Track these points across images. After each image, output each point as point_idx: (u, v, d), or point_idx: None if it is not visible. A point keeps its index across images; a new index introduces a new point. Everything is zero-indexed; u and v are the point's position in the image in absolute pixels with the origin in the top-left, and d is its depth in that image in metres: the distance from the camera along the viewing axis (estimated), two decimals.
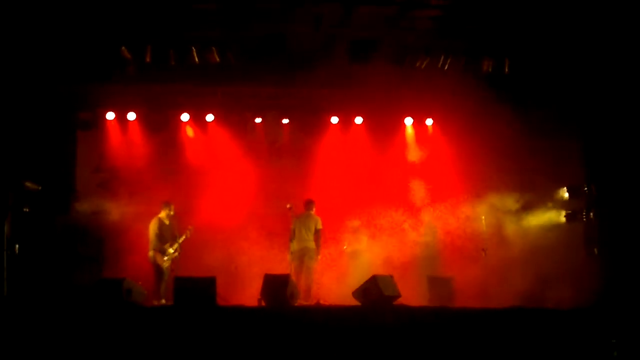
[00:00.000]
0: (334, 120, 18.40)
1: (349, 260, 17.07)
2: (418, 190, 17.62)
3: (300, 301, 14.68)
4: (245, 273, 16.16)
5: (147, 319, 12.48)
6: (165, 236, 16.07)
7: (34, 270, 15.26)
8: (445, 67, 16.40)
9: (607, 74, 15.73)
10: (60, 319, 12.05)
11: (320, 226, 16.28)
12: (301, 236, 16.16)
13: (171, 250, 16.01)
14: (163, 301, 15.42)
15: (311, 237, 16.21)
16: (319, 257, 16.29)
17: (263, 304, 14.24)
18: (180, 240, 16.16)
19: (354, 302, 14.40)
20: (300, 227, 16.21)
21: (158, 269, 15.96)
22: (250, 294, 14.87)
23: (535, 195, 17.14)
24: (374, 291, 14.08)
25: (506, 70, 16.48)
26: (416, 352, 11.76)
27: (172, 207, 16.32)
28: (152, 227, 16.08)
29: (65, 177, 17.20)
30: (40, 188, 15.92)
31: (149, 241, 16.06)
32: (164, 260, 15.92)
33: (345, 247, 16.79)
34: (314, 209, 16.49)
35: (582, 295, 14.43)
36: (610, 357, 11.54)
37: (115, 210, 16.94)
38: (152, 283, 15.85)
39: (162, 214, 16.24)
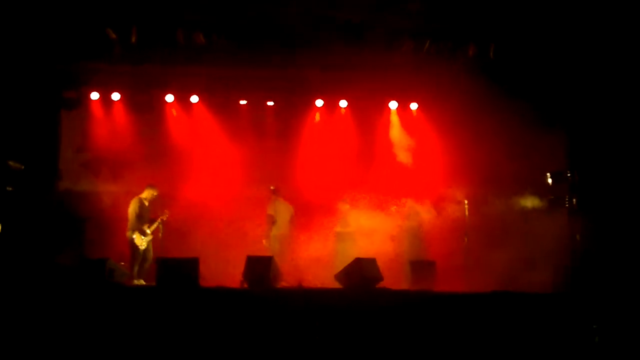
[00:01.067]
0: (319, 103, 18.36)
1: (333, 243, 17.09)
2: (402, 174, 17.58)
3: (283, 283, 14.70)
4: (228, 254, 16.15)
5: (130, 299, 12.49)
6: (144, 217, 16.07)
7: (17, 249, 15.21)
8: (431, 52, 16.39)
9: (593, 61, 15.75)
10: (42, 299, 12.05)
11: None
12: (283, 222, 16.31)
13: (148, 232, 16.01)
14: (141, 281, 15.41)
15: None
16: None
17: (245, 285, 14.26)
18: (155, 225, 16.16)
19: (336, 284, 14.45)
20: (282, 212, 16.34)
21: (134, 249, 15.98)
22: (233, 275, 14.87)
23: (519, 180, 17.15)
24: (357, 274, 14.13)
25: (491, 55, 16.47)
26: (397, 334, 11.82)
27: (157, 190, 16.30)
28: (132, 207, 16.09)
29: (48, 157, 17.12)
30: (23, 167, 15.86)
31: (129, 221, 16.07)
32: (142, 241, 15.92)
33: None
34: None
35: (564, 281, 14.50)
36: (592, 342, 11.61)
37: (99, 190, 16.95)
38: (130, 262, 15.91)
39: (144, 194, 16.23)
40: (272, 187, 16.15)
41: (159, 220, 16.16)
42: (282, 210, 16.57)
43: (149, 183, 16.33)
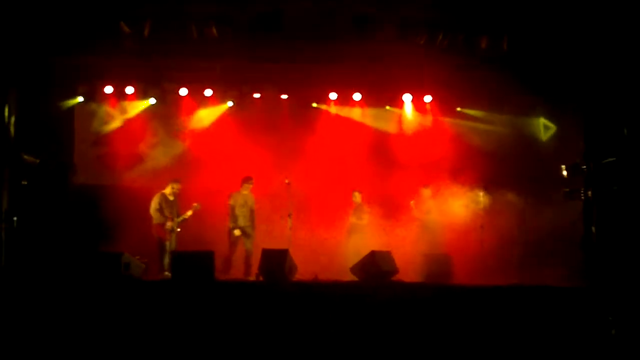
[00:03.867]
0: (333, 96, 18.34)
1: (348, 235, 17.06)
2: (417, 167, 17.55)
3: (298, 276, 14.71)
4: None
5: (145, 292, 12.54)
6: (165, 211, 16.05)
7: (32, 243, 15.26)
8: (444, 44, 16.33)
9: (608, 52, 15.67)
10: (58, 292, 12.10)
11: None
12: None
13: (170, 225, 15.99)
14: (167, 274, 15.36)
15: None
16: None
17: (261, 278, 14.28)
18: (185, 216, 16.14)
19: (351, 277, 14.47)
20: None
21: (160, 243, 15.97)
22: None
23: (534, 172, 17.11)
24: (372, 267, 14.16)
25: (505, 47, 16.41)
26: (411, 327, 11.83)
27: (179, 184, 16.27)
28: (153, 202, 16.08)
29: (63, 151, 17.23)
30: (38, 161, 15.90)
31: (151, 216, 16.08)
32: (167, 235, 15.92)
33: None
34: None
35: (580, 274, 14.48)
36: (609, 335, 11.59)
37: (114, 184, 16.98)
38: (156, 257, 15.91)
39: (167, 190, 16.20)
40: (287, 181, 16.07)
41: (189, 212, 16.10)
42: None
43: (173, 178, 16.31)
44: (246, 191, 16.63)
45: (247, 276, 15.77)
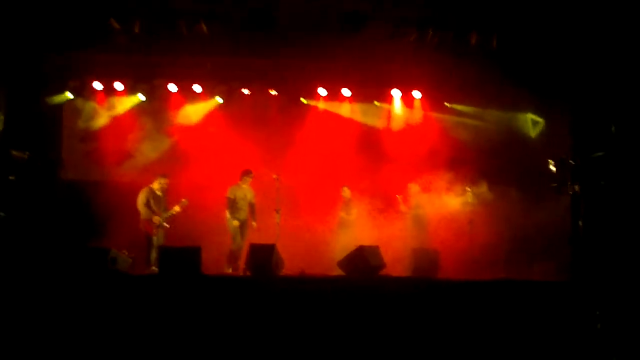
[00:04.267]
0: (322, 91, 18.33)
1: (336, 230, 17.12)
2: (406, 162, 17.57)
3: (285, 271, 14.72)
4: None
5: (132, 287, 12.54)
6: (153, 206, 16.04)
7: (20, 238, 15.24)
8: (434, 41, 16.37)
9: (596, 47, 15.71)
10: (45, 287, 12.10)
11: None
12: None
13: (158, 220, 15.98)
14: (154, 269, 15.34)
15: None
16: None
17: (248, 273, 14.29)
18: (173, 212, 16.14)
19: (339, 272, 14.48)
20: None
21: (148, 238, 15.96)
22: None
23: (521, 167, 17.14)
24: (360, 261, 14.18)
25: (494, 45, 16.45)
26: (399, 322, 11.84)
27: (167, 180, 16.27)
28: (140, 197, 16.06)
29: (51, 146, 17.22)
30: (26, 156, 15.88)
31: (138, 211, 16.07)
32: (154, 230, 15.91)
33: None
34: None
35: (567, 268, 14.51)
36: (594, 329, 11.61)
37: (102, 179, 16.99)
38: (144, 252, 15.90)
39: (155, 185, 16.18)
40: (274, 176, 16.07)
41: (177, 207, 16.11)
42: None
43: (161, 173, 16.32)
44: (246, 184, 16.64)
45: (234, 271, 15.82)
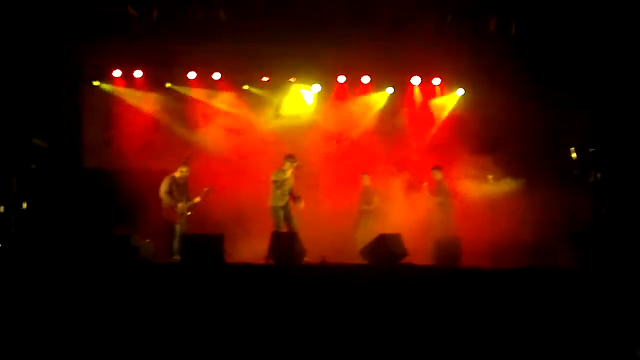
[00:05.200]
0: (341, 79, 18.29)
1: (357, 222, 17.12)
2: (427, 150, 17.57)
3: (307, 259, 14.72)
4: (254, 230, 16.16)
5: (155, 275, 12.55)
6: (175, 195, 16.02)
7: (42, 227, 15.30)
8: (453, 27, 16.34)
9: (616, 35, 15.66)
10: (67, 275, 12.13)
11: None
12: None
13: (181, 208, 15.97)
14: (177, 257, 15.36)
15: None
16: None
17: (271, 261, 14.29)
18: (196, 200, 16.11)
19: (361, 260, 14.47)
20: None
21: (170, 226, 15.94)
22: (259, 252, 14.90)
23: (543, 155, 17.09)
24: (382, 249, 14.16)
25: (512, 31, 16.41)
26: (422, 310, 11.82)
27: (188, 168, 16.22)
28: (163, 186, 15.99)
29: (72, 135, 17.26)
30: (47, 145, 15.91)
31: (161, 199, 16.07)
32: (177, 218, 15.91)
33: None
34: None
35: (589, 256, 14.47)
36: (615, 317, 11.57)
37: (123, 167, 17.01)
38: (166, 241, 15.85)
39: (177, 173, 16.14)
40: (297, 164, 15.98)
41: (199, 197, 16.09)
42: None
43: (183, 160, 16.28)
44: (289, 169, 16.34)
45: None
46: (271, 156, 16.89)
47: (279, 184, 15.90)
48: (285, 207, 16.00)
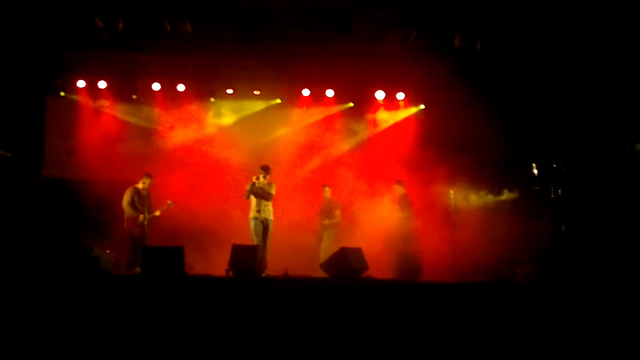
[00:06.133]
0: (306, 92, 18.31)
1: (322, 231, 17.08)
2: (389, 164, 17.61)
3: (268, 272, 14.72)
4: (214, 243, 16.16)
5: (115, 287, 12.49)
6: (138, 206, 16.01)
7: (2, 237, 15.17)
8: (417, 43, 16.43)
9: (579, 54, 15.82)
10: (26, 286, 12.03)
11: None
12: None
13: (142, 219, 15.95)
14: (137, 269, 15.29)
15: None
16: None
17: (231, 274, 14.27)
18: (158, 212, 16.12)
19: (322, 274, 14.48)
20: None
21: (132, 238, 15.93)
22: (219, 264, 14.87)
23: (504, 170, 17.17)
24: (342, 263, 14.16)
25: (478, 47, 16.52)
26: (382, 324, 11.84)
27: (151, 179, 16.25)
28: (126, 196, 16.06)
29: (34, 144, 17.15)
30: (9, 155, 15.81)
31: (123, 210, 16.05)
32: (138, 229, 15.88)
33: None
34: None
35: (549, 271, 14.57)
36: (577, 333, 11.65)
37: (85, 178, 16.93)
38: (127, 252, 15.89)
39: (140, 185, 16.16)
40: (254, 178, 15.98)
41: (163, 207, 16.09)
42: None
43: (146, 172, 16.30)
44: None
45: None
46: (235, 167, 16.92)
47: (247, 195, 15.82)
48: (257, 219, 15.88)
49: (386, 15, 16.17)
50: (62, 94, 17.70)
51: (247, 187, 15.65)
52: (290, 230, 16.64)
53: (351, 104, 18.66)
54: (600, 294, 12.32)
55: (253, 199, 15.69)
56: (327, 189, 17.25)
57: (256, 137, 18.11)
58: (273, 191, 15.72)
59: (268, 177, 15.66)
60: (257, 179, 15.54)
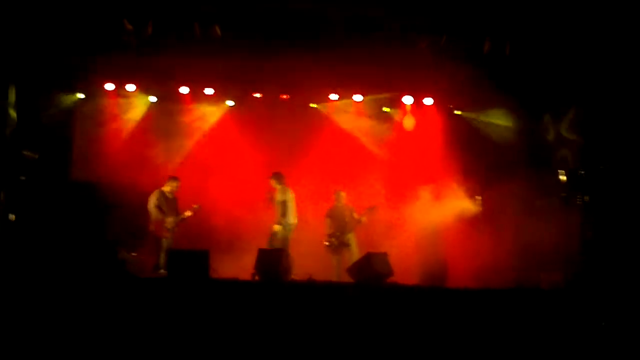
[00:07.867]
0: (334, 97, 18.33)
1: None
2: (417, 169, 17.59)
3: (294, 276, 14.73)
4: (240, 246, 16.20)
5: (141, 289, 12.54)
6: (164, 209, 16.09)
7: (30, 238, 15.26)
8: (447, 47, 16.37)
9: (608, 58, 15.70)
10: (54, 288, 12.11)
11: None
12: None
13: (169, 223, 16.01)
14: (163, 272, 15.35)
15: None
16: None
17: (257, 278, 14.29)
18: (184, 216, 16.19)
19: (348, 279, 14.48)
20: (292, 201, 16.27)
21: (157, 241, 16.00)
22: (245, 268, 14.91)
23: (531, 176, 17.06)
24: (368, 268, 14.16)
25: (507, 52, 16.43)
26: (406, 329, 11.81)
27: (178, 182, 16.33)
28: (152, 199, 16.15)
29: (63, 146, 17.26)
30: (37, 156, 15.91)
31: (149, 213, 16.12)
32: (164, 232, 15.94)
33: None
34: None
35: (576, 278, 14.48)
36: (601, 339, 11.58)
37: (113, 180, 17.00)
38: (153, 255, 15.96)
39: (166, 188, 16.26)
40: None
41: (188, 212, 16.15)
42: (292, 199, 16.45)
43: (172, 176, 16.40)
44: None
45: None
46: (263, 172, 16.94)
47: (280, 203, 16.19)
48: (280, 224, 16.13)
49: (416, 22, 16.12)
50: (90, 96, 17.77)
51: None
52: (316, 234, 16.67)
53: (385, 109, 18.69)
54: (626, 302, 12.23)
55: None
56: (342, 194, 17.14)
57: (285, 142, 18.10)
58: (286, 197, 15.98)
59: (279, 185, 16.23)
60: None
